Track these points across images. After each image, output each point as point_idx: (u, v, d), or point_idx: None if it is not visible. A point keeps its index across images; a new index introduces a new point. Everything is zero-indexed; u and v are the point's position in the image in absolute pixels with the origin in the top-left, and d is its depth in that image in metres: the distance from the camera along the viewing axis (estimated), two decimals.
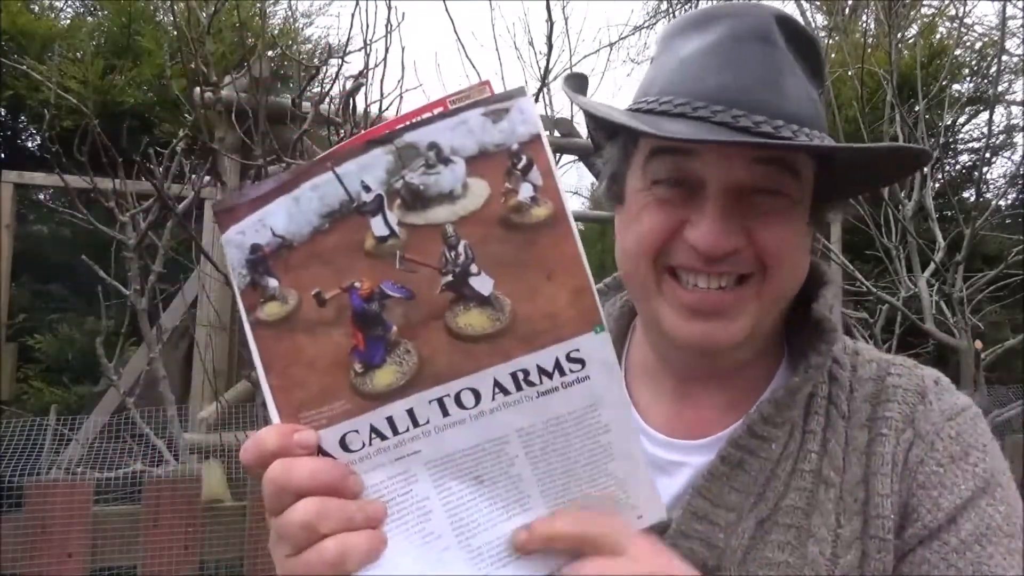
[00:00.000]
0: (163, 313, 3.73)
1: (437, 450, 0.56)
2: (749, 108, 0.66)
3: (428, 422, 0.55)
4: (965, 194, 6.78)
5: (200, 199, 3.93)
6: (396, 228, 0.54)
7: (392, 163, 0.53)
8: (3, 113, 6.35)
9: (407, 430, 0.55)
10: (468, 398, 0.55)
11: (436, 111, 0.53)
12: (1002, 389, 4.70)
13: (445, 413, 0.55)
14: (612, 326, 0.84)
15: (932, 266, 4.55)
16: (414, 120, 0.53)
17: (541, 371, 0.55)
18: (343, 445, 0.55)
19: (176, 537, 2.16)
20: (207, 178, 3.81)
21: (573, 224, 0.54)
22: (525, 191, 0.53)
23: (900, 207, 4.55)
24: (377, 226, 0.53)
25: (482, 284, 0.53)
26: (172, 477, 2.28)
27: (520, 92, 0.53)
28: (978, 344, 4.40)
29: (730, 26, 0.69)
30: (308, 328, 0.54)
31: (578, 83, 0.80)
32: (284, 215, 0.54)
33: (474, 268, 0.53)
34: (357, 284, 0.54)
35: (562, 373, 0.55)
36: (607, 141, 0.79)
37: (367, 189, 0.53)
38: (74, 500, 2.10)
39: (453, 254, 0.54)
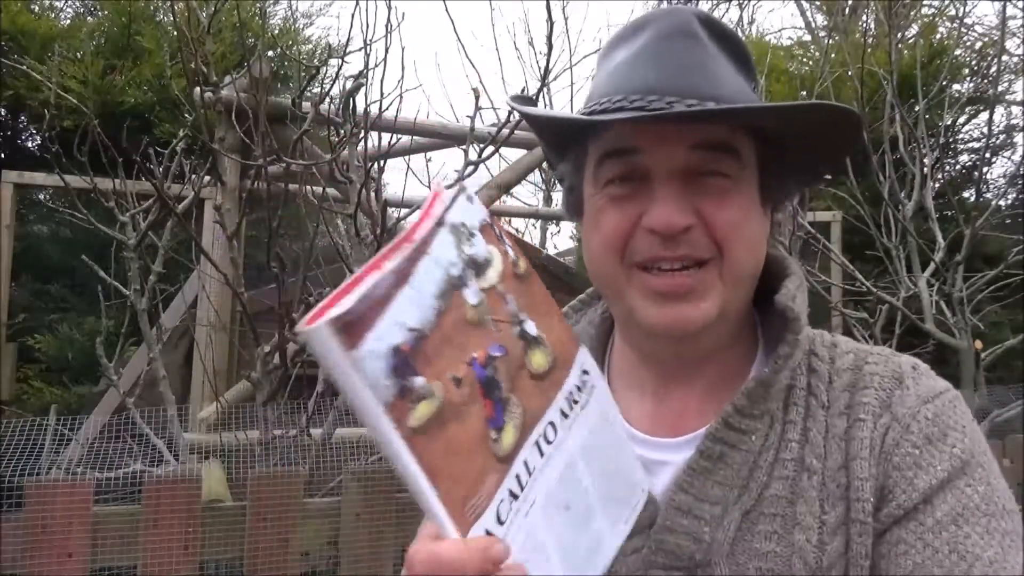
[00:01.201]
0: (163, 313, 3.73)
1: (543, 492, 0.58)
2: (681, 95, 0.69)
3: (535, 468, 0.58)
4: (965, 194, 6.78)
5: (200, 199, 3.93)
6: (481, 294, 0.58)
7: (454, 240, 0.57)
8: (3, 113, 6.35)
9: (526, 483, 0.57)
10: (550, 432, 0.59)
11: (435, 202, 0.58)
12: (1002, 389, 4.70)
13: (540, 453, 0.58)
14: (593, 332, 0.87)
15: (932, 266, 4.55)
16: (443, 205, 0.57)
17: (577, 389, 0.62)
18: (498, 519, 0.54)
19: (176, 537, 2.16)
20: (207, 178, 3.81)
21: None
22: (510, 252, 0.61)
23: (900, 207, 4.55)
24: (470, 295, 0.56)
25: (532, 327, 0.60)
26: (172, 477, 2.28)
27: (461, 187, 0.59)
28: (978, 344, 4.41)
29: (654, 29, 0.73)
30: (456, 415, 0.53)
31: (526, 101, 0.86)
32: (412, 307, 0.52)
33: (522, 315, 0.60)
34: (475, 354, 0.56)
35: (583, 386, 0.63)
36: (560, 161, 0.83)
37: (453, 265, 0.56)
38: (74, 500, 2.10)
39: (509, 308, 0.59)
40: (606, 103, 0.72)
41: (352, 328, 0.48)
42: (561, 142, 0.82)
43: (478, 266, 0.57)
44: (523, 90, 3.34)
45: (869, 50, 5.70)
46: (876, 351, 0.77)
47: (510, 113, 3.30)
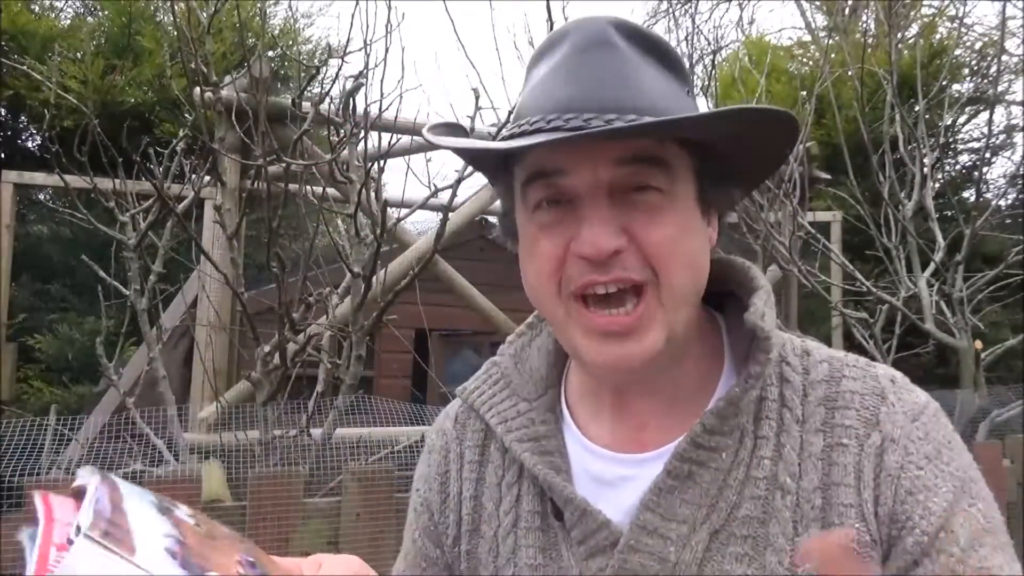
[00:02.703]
0: (163, 313, 3.73)
1: None
2: (600, 109, 0.67)
3: None
4: (965, 194, 6.79)
5: (200, 199, 3.93)
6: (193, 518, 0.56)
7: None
8: (3, 113, 6.35)
9: None
10: None
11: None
12: (1002, 389, 4.70)
13: None
14: (551, 348, 0.84)
15: (932, 266, 4.55)
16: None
17: None
18: None
19: None
20: (207, 178, 3.81)
21: None
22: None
23: (900, 207, 4.56)
24: (185, 516, 0.56)
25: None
26: (172, 477, 2.28)
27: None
28: (978, 344, 4.41)
29: (571, 41, 0.71)
30: None
31: (448, 130, 0.82)
32: (151, 521, 0.52)
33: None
34: (236, 557, 0.54)
35: None
36: (493, 181, 0.81)
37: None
38: None
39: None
40: (524, 124, 0.70)
41: (118, 535, 0.47)
42: (491, 168, 0.80)
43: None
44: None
45: (869, 50, 5.70)
46: (851, 362, 0.74)
47: (510, 112, 3.29)
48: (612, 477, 0.74)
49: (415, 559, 0.85)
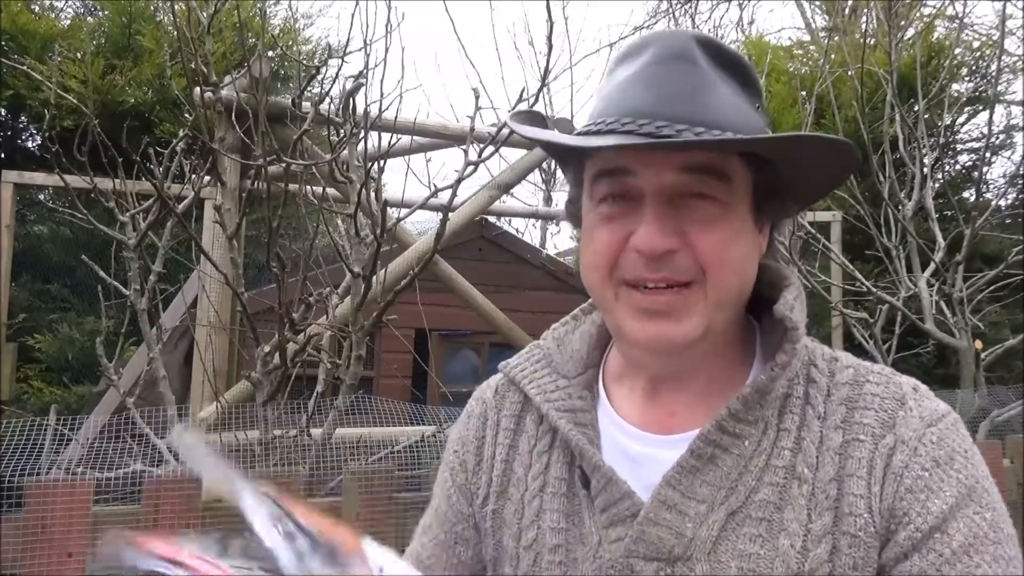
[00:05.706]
0: (163, 313, 3.72)
1: None
2: (671, 119, 0.71)
3: None
4: (965, 194, 6.79)
5: (200, 199, 3.93)
6: None
7: None
8: (3, 113, 6.35)
9: None
10: None
11: None
12: (1002, 389, 4.70)
13: None
14: (594, 332, 0.89)
15: (932, 266, 4.55)
16: None
17: None
18: None
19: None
20: (207, 178, 3.81)
21: None
22: None
23: (900, 207, 4.56)
24: None
25: None
26: (172, 477, 2.27)
27: None
28: (978, 344, 4.41)
29: (655, 51, 0.75)
30: None
31: (530, 115, 0.86)
32: None
33: None
34: None
35: None
36: (563, 169, 0.86)
37: None
38: (74, 500, 2.10)
39: None
40: (600, 124, 0.74)
41: None
42: (562, 156, 0.85)
43: None
44: (523, 91, 3.34)
45: (869, 50, 5.70)
46: (877, 370, 0.78)
47: (510, 111, 3.28)
48: (639, 454, 0.79)
49: (447, 514, 0.90)
